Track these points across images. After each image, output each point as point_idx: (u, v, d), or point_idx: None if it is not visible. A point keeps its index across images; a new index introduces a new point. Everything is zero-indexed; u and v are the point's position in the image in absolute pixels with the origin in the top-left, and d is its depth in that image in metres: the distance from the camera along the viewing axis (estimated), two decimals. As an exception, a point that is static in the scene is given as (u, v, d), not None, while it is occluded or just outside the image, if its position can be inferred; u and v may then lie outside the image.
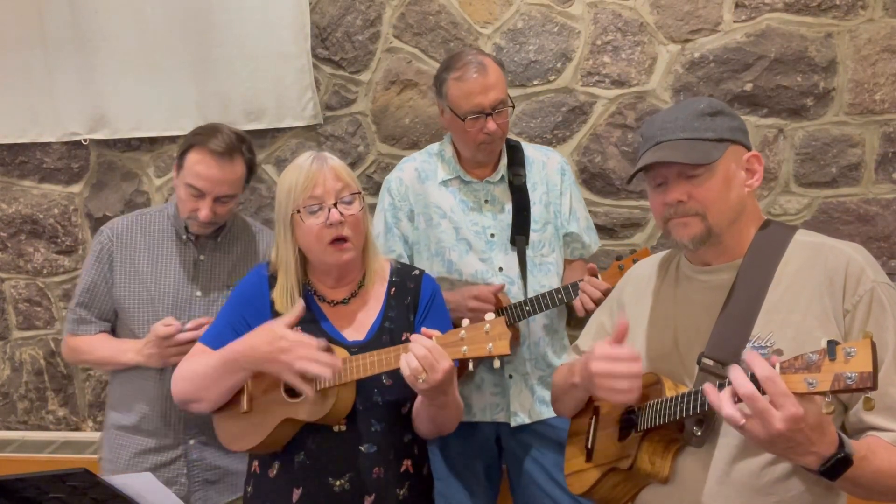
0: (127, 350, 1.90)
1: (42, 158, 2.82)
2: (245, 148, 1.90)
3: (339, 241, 1.56)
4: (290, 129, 2.66)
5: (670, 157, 1.29)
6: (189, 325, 1.82)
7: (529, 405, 2.07)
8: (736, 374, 1.08)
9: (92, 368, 2.88)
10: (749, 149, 1.36)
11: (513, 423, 2.06)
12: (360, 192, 1.59)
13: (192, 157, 1.83)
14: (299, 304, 1.52)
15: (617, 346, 1.32)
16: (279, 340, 1.45)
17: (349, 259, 1.58)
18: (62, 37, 2.67)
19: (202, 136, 1.85)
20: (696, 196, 1.30)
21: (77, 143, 2.77)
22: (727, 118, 1.34)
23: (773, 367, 1.06)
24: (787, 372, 1.05)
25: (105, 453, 2.00)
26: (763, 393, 1.05)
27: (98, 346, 1.95)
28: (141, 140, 2.74)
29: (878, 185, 2.40)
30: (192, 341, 1.74)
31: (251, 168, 1.94)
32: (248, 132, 2.64)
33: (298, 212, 1.55)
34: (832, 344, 1.02)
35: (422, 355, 1.38)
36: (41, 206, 2.85)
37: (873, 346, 0.99)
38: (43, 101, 2.72)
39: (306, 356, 1.43)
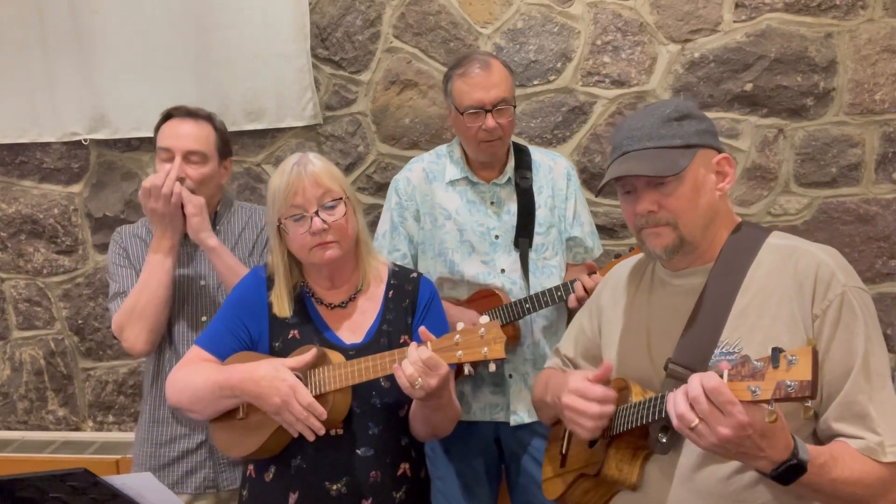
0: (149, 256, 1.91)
1: (42, 158, 2.82)
2: (216, 120, 2.01)
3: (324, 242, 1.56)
4: (290, 129, 2.66)
5: (636, 170, 1.26)
6: (172, 174, 1.87)
7: (529, 404, 2.07)
8: (691, 379, 1.08)
9: (94, 368, 2.89)
10: (719, 151, 1.32)
11: (512, 423, 2.07)
12: (342, 197, 1.57)
13: (162, 128, 1.98)
14: (311, 353, 1.49)
15: (592, 385, 1.31)
16: (279, 382, 1.45)
17: (333, 256, 1.56)
18: (62, 37, 2.66)
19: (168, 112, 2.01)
20: (666, 205, 1.27)
21: (77, 143, 2.77)
22: (695, 121, 1.30)
23: (722, 373, 1.05)
24: (734, 379, 1.04)
25: (136, 447, 2.02)
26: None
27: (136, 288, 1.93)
28: (141, 140, 2.74)
29: (878, 185, 2.40)
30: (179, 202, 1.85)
31: (223, 139, 2.00)
32: (248, 132, 2.68)
33: (281, 222, 1.56)
34: (776, 351, 1.00)
35: (417, 362, 1.37)
36: (41, 206, 2.85)
37: (814, 353, 0.97)
38: (43, 101, 2.72)
39: (295, 412, 1.43)
